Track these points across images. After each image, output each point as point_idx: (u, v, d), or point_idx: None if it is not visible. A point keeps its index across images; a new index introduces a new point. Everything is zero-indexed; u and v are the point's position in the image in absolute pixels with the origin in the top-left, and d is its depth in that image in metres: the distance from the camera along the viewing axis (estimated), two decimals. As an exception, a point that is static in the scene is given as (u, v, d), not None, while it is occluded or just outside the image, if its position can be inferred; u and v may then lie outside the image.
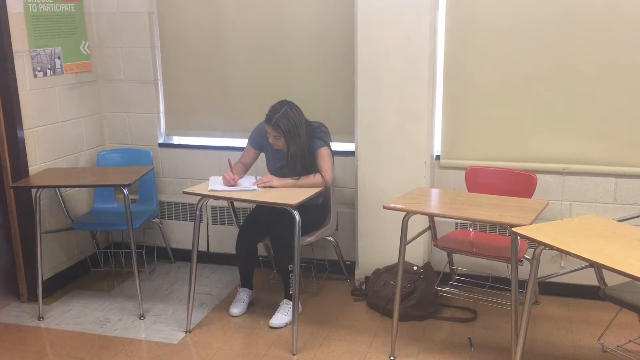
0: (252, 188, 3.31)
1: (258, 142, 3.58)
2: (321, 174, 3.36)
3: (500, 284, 3.52)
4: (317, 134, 3.43)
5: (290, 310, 3.39)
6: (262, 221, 3.57)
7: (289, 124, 3.29)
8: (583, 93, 3.41)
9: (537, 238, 2.40)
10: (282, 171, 3.45)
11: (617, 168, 3.42)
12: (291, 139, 3.33)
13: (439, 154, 3.73)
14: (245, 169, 3.59)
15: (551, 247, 2.38)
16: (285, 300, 3.46)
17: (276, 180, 3.35)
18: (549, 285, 3.59)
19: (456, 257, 3.65)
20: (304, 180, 3.35)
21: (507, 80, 3.52)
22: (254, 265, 3.67)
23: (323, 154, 3.39)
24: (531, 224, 2.60)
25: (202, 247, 4.20)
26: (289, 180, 3.36)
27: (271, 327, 3.36)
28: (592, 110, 3.42)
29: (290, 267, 3.35)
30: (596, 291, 2.91)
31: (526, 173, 3.40)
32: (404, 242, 2.99)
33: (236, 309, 3.53)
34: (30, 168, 3.65)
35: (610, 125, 3.41)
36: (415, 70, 3.47)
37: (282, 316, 3.40)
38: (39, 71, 3.69)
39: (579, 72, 3.40)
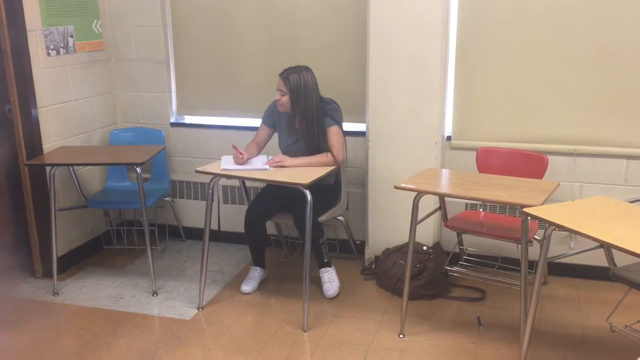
0: (264, 167, 3.33)
1: (271, 119, 3.60)
2: (332, 153, 3.38)
3: (509, 264, 3.55)
4: (328, 112, 3.43)
5: (334, 274, 3.56)
6: (271, 200, 3.60)
7: (298, 82, 3.33)
8: (595, 74, 3.40)
9: (547, 218, 2.42)
10: (294, 148, 3.47)
11: (628, 149, 3.42)
12: (296, 99, 3.35)
13: (450, 134, 3.74)
14: (259, 149, 3.60)
15: (562, 228, 2.39)
16: (323, 269, 3.56)
17: (288, 160, 3.37)
18: (558, 266, 3.62)
19: (466, 237, 3.68)
20: (315, 159, 3.37)
21: (519, 61, 3.51)
22: (264, 243, 3.71)
23: (334, 132, 3.40)
24: (542, 204, 2.62)
25: (214, 225, 4.23)
26: (300, 160, 3.38)
27: (329, 298, 3.48)
28: (604, 91, 3.41)
29: (321, 241, 3.48)
30: (605, 272, 2.93)
31: (537, 154, 3.41)
32: (414, 222, 3.01)
33: (247, 287, 3.58)
34: (44, 146, 3.69)
35: (622, 107, 3.40)
36: (428, 50, 3.47)
37: (330, 285, 3.52)
38: (52, 49, 3.70)
39: (591, 52, 3.38)
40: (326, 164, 3.36)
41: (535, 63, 3.49)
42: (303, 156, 3.41)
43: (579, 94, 3.45)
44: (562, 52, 3.43)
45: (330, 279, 3.54)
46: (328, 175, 3.33)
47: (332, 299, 3.48)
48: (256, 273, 3.65)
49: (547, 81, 3.49)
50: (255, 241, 3.66)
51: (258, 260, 3.68)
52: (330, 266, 3.58)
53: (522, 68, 3.52)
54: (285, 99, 3.38)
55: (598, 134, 3.46)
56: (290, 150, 3.49)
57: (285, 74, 3.36)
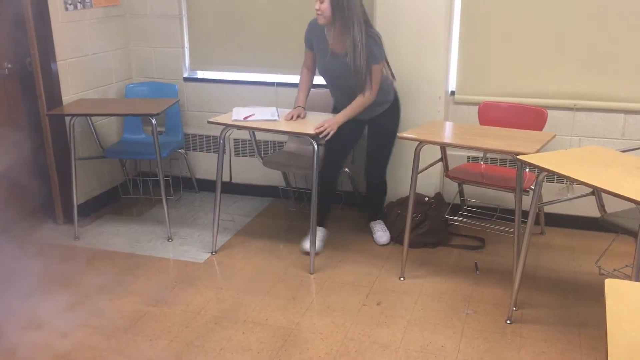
0: (273, 118, 3.46)
1: (310, 40, 3.47)
2: (370, 92, 3.28)
3: (508, 214, 3.69)
4: (374, 46, 3.21)
5: (385, 225, 3.73)
6: (340, 156, 3.62)
7: None
8: (596, 30, 3.48)
9: (539, 164, 2.55)
10: (332, 67, 3.36)
11: (626, 104, 3.52)
12: (337, 5, 3.12)
13: (453, 89, 3.85)
14: (313, 72, 3.57)
15: (553, 173, 2.53)
16: (376, 221, 3.75)
17: (334, 124, 3.26)
18: (556, 217, 3.76)
19: (466, 189, 3.82)
20: (355, 107, 3.30)
21: (522, 16, 3.59)
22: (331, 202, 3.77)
23: (377, 71, 3.27)
24: (536, 153, 2.74)
25: (225, 177, 4.41)
26: (341, 116, 3.31)
27: (380, 245, 3.66)
28: (604, 47, 3.49)
29: (385, 197, 3.74)
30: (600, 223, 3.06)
31: (537, 108, 3.52)
32: (415, 171, 3.15)
33: (307, 245, 3.47)
34: (63, 98, 3.85)
35: (621, 63, 3.49)
36: (433, 6, 3.56)
37: (383, 233, 3.69)
38: (70, 4, 3.83)
39: (592, 9, 3.46)
40: (364, 106, 3.32)
41: (538, 19, 3.57)
42: (345, 93, 3.37)
43: (580, 50, 3.54)
44: (564, 9, 3.50)
45: (383, 229, 3.72)
46: (386, 94, 3.41)
47: (384, 245, 3.67)
48: (321, 234, 3.62)
49: (549, 37, 3.57)
50: (327, 200, 3.67)
51: (322, 219, 3.66)
52: (382, 219, 3.76)
53: (525, 24, 3.60)
54: (326, 5, 3.14)
55: (597, 89, 3.56)
56: (330, 69, 3.37)
57: None
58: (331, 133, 3.24)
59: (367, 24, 3.23)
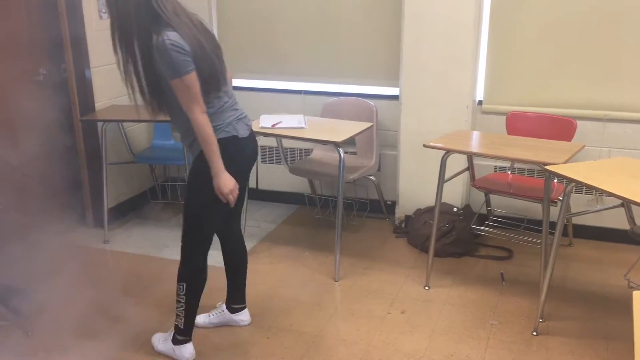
0: (300, 126, 3.49)
1: None
2: (190, 115, 2.37)
3: (535, 225, 3.66)
4: (158, 59, 2.31)
5: (169, 337, 2.72)
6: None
7: None
8: (627, 39, 3.44)
9: (567, 175, 2.53)
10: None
11: (658, 115, 3.47)
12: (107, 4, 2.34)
13: (481, 99, 3.83)
14: None
15: (581, 184, 2.51)
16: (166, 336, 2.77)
17: (217, 183, 2.41)
18: (584, 229, 3.71)
19: (493, 199, 3.80)
20: (205, 146, 2.39)
21: (551, 26, 3.57)
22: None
23: (176, 88, 2.34)
24: (564, 163, 2.72)
25: (252, 184, 4.43)
26: (211, 163, 2.40)
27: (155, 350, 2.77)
28: (636, 56, 3.45)
29: (180, 289, 2.66)
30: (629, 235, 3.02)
31: (566, 119, 3.49)
32: (442, 180, 3.15)
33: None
34: (96, 104, 3.94)
35: (654, 73, 3.45)
36: (461, 15, 3.55)
37: (159, 338, 2.79)
38: (104, 12, 3.92)
39: (623, 18, 3.42)
40: (198, 132, 2.38)
41: (567, 29, 3.54)
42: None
43: (611, 60, 3.50)
44: (595, 18, 3.48)
45: (165, 336, 2.77)
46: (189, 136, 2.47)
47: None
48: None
49: (579, 46, 3.55)
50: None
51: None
52: (176, 332, 2.68)
53: (555, 34, 3.58)
54: None
55: (628, 99, 3.51)
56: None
57: None
58: (227, 193, 2.42)
59: (158, 31, 2.28)
